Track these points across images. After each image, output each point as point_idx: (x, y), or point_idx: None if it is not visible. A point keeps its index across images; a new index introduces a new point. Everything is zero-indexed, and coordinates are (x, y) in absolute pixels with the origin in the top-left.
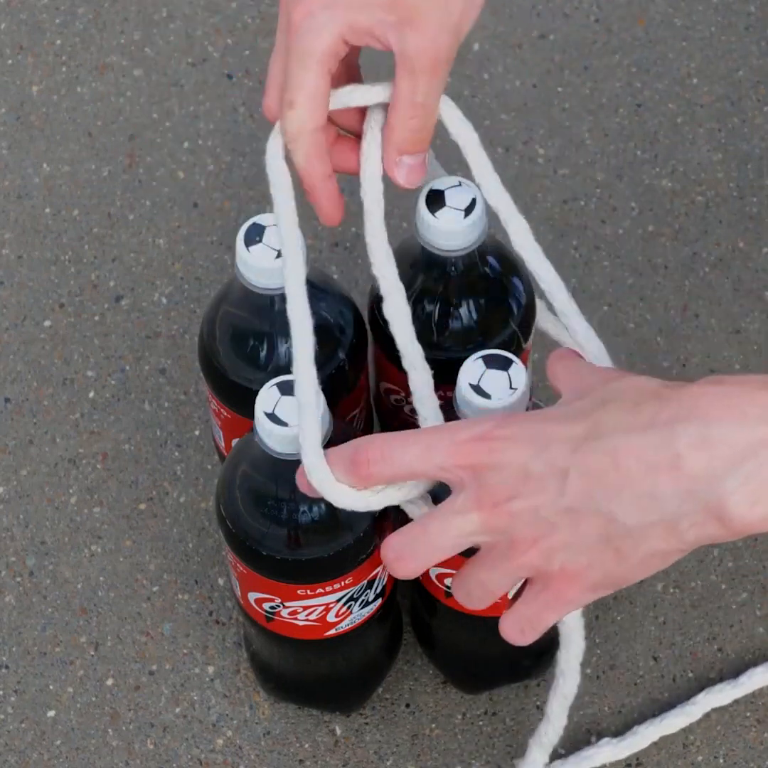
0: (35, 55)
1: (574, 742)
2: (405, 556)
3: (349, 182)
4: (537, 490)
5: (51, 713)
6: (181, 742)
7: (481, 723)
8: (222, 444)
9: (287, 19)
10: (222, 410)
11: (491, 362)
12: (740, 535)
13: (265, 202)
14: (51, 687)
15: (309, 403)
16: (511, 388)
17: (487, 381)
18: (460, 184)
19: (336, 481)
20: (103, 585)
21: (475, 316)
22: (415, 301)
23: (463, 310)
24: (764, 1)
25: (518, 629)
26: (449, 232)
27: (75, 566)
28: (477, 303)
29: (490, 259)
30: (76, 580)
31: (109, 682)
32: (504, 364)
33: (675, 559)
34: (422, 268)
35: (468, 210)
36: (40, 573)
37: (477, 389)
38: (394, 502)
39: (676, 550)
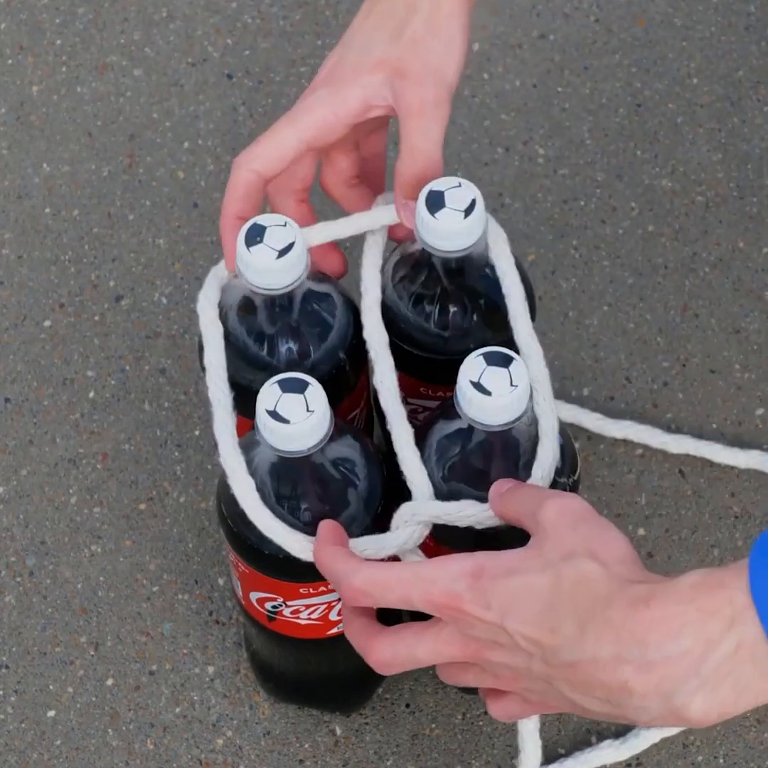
0: (35, 55)
1: (574, 742)
2: (393, 666)
3: None
4: (509, 654)
5: (51, 713)
6: (181, 742)
7: (481, 723)
8: None
9: None
10: None
11: (492, 359)
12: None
13: (265, 203)
14: (51, 687)
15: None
16: (512, 385)
17: (487, 378)
18: (460, 185)
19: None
20: (103, 585)
21: (475, 316)
22: (415, 301)
23: (463, 311)
24: (764, 1)
25: (506, 717)
26: (449, 232)
27: (75, 566)
28: (477, 303)
29: (490, 259)
30: (76, 580)
31: (109, 682)
32: (504, 361)
33: None
34: (422, 269)
35: (468, 211)
36: (40, 573)
37: (478, 386)
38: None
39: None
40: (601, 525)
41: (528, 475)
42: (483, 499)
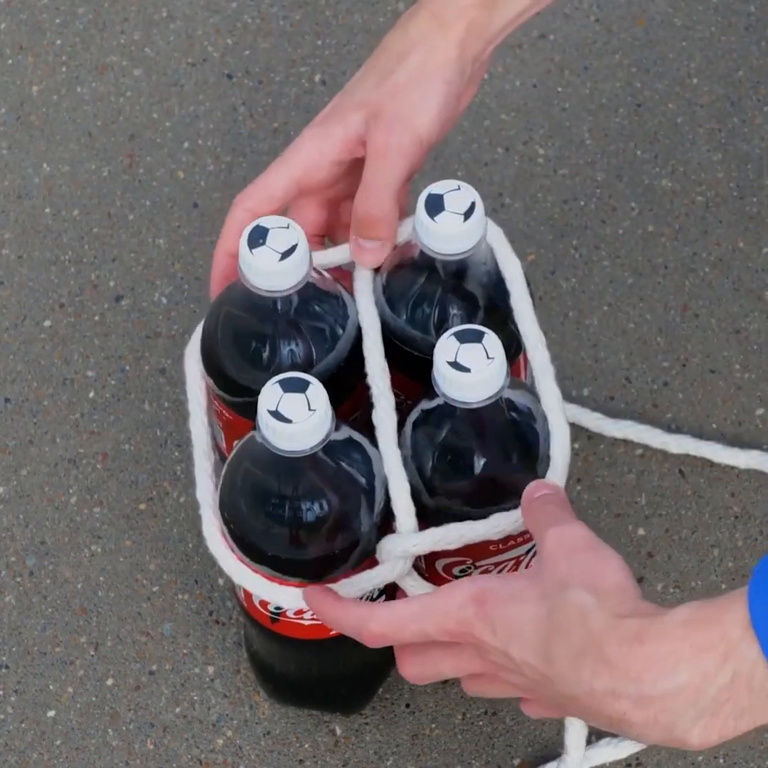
0: (35, 55)
1: None
2: (422, 679)
3: None
4: (520, 678)
5: (51, 713)
6: (181, 742)
7: (481, 723)
8: (223, 445)
9: None
10: (223, 411)
11: (464, 337)
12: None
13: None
14: (51, 687)
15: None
16: (488, 358)
17: (463, 355)
18: (459, 188)
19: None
20: (103, 585)
21: (474, 318)
22: (415, 304)
23: (462, 313)
24: (764, 1)
25: (537, 715)
26: (448, 235)
27: (75, 566)
28: (476, 306)
29: (489, 262)
30: (76, 580)
31: (109, 682)
32: (477, 337)
33: None
34: (421, 272)
35: (467, 214)
36: (40, 573)
37: (456, 365)
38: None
39: None
40: (599, 554)
41: (522, 458)
42: (468, 486)
